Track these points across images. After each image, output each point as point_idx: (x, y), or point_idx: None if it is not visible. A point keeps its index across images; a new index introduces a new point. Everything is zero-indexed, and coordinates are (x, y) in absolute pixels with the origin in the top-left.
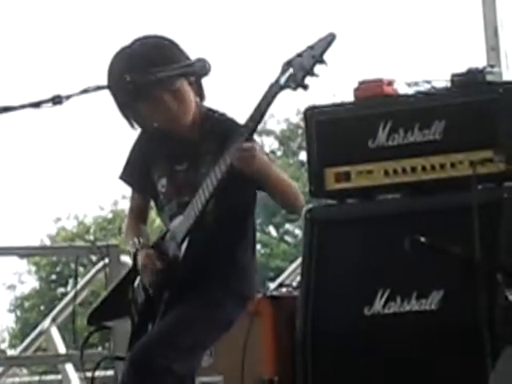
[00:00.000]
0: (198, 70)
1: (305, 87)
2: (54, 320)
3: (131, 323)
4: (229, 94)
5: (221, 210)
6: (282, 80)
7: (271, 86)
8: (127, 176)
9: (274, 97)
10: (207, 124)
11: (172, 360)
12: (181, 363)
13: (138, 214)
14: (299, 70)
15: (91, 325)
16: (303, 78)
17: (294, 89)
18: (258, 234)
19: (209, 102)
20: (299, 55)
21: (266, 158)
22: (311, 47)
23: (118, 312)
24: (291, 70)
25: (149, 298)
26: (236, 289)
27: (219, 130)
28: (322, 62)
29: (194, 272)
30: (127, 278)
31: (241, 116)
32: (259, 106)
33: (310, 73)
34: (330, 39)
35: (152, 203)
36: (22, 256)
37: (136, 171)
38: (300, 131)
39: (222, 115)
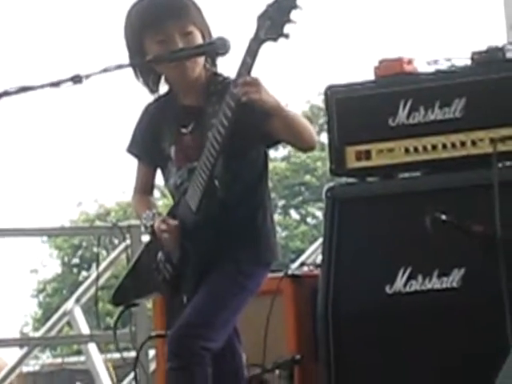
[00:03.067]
0: (218, 49)
1: (286, 36)
2: (77, 301)
3: (164, 299)
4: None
5: (231, 176)
6: (262, 33)
7: (252, 41)
8: (134, 148)
9: (257, 51)
10: (211, 87)
11: (210, 339)
12: (217, 339)
13: (145, 187)
14: (277, 19)
15: (116, 305)
16: (282, 26)
17: (275, 39)
18: (279, 217)
19: None
20: (270, 5)
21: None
22: None
23: (143, 289)
24: (268, 22)
25: (176, 270)
26: (261, 256)
27: (222, 92)
28: (297, 7)
29: (216, 242)
30: (147, 253)
31: None
32: (244, 62)
33: (288, 20)
34: None
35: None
36: (42, 235)
37: (143, 143)
38: (321, 113)
39: (226, 78)
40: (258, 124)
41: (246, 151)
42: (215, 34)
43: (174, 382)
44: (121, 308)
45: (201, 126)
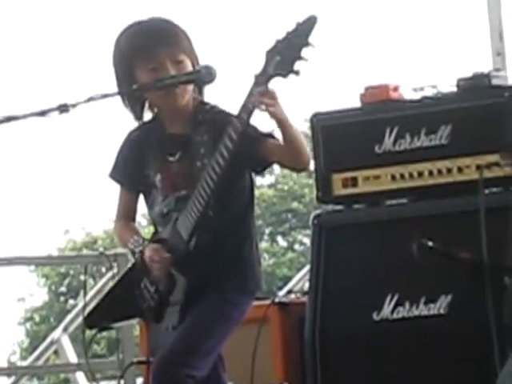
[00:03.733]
0: (204, 77)
1: (296, 73)
2: (64, 330)
3: (146, 326)
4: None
5: (222, 207)
6: (271, 69)
7: (260, 75)
8: (116, 174)
9: (265, 85)
10: (199, 115)
11: (194, 367)
12: (202, 367)
13: (128, 213)
14: (287, 56)
15: (89, 327)
16: (293, 63)
17: (285, 75)
18: (266, 244)
19: None
20: (281, 41)
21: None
22: (293, 32)
23: (122, 314)
24: (278, 58)
25: (162, 298)
26: (247, 286)
27: (211, 121)
28: (308, 44)
29: (204, 271)
30: (129, 278)
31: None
32: (250, 94)
33: (299, 57)
34: (312, 21)
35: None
36: (29, 265)
37: (126, 169)
38: (307, 140)
39: (214, 107)
40: (250, 151)
41: (235, 182)
42: (219, 65)
43: None
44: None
45: (188, 155)
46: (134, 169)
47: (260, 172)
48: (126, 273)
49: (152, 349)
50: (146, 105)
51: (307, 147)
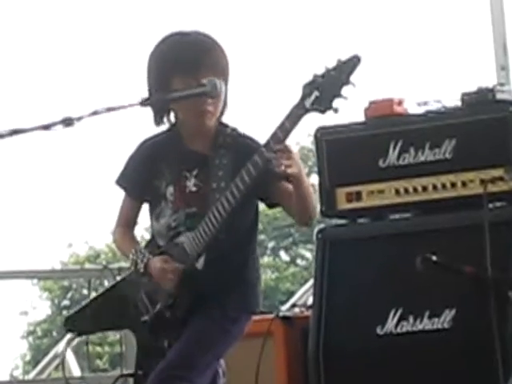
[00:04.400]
0: (209, 92)
1: (335, 110)
2: (68, 343)
3: (139, 339)
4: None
5: (230, 230)
6: (308, 103)
7: (295, 108)
8: (123, 181)
9: (299, 118)
10: (220, 137)
11: (191, 381)
12: (199, 382)
13: (129, 221)
14: (326, 92)
15: (68, 330)
16: (332, 100)
17: (323, 112)
18: (269, 258)
19: None
20: (320, 77)
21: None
22: (334, 69)
23: (110, 322)
24: (316, 93)
25: (159, 314)
26: (248, 304)
27: (232, 145)
28: (349, 83)
29: (208, 290)
30: (124, 288)
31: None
32: (282, 125)
33: (339, 95)
34: (355, 61)
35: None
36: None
37: (134, 177)
38: (311, 154)
39: (234, 130)
40: (265, 184)
41: (243, 205)
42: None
43: None
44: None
45: (205, 175)
46: (143, 177)
47: (268, 205)
48: (117, 283)
49: (144, 361)
50: (171, 114)
51: (315, 202)
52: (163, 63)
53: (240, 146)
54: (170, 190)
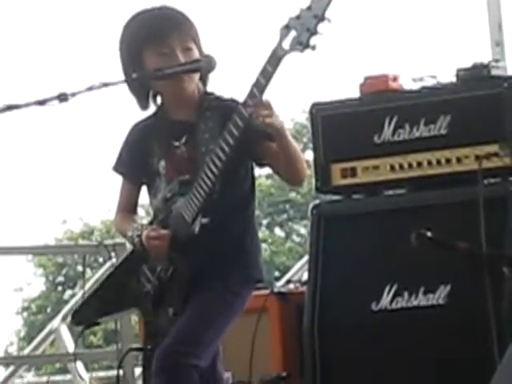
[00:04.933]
0: (205, 67)
1: (313, 47)
2: (63, 319)
3: (144, 313)
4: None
5: (225, 193)
6: (286, 44)
7: (275, 51)
8: (119, 167)
9: (280, 60)
10: (205, 103)
11: (198, 357)
12: (205, 357)
13: (129, 205)
14: (302, 31)
15: (76, 325)
16: (309, 38)
17: (302, 50)
18: (265, 234)
19: None
20: (297, 18)
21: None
22: (308, 8)
23: (113, 306)
24: (293, 33)
25: (162, 283)
26: (249, 276)
27: (216, 108)
28: (324, 19)
29: (207, 257)
30: (125, 267)
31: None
32: (264, 70)
33: (315, 32)
34: None
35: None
36: (27, 254)
37: (129, 161)
38: (305, 131)
39: (219, 97)
40: (252, 143)
41: (237, 169)
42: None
43: None
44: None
45: (194, 140)
46: (137, 160)
47: (259, 165)
48: (121, 262)
49: (151, 336)
50: (151, 93)
51: (304, 163)
52: (133, 40)
53: (224, 107)
54: (162, 164)
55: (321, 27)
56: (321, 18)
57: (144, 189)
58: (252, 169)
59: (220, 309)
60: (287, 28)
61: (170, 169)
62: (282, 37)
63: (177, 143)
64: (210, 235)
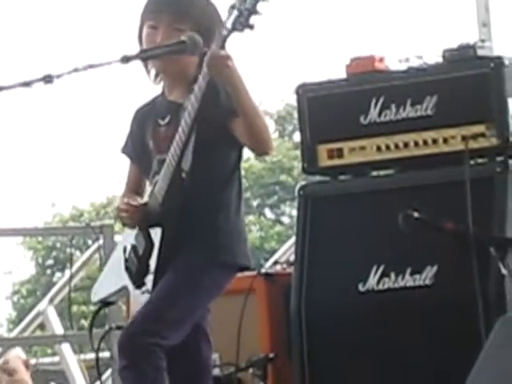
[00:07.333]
0: (189, 48)
1: (251, 27)
2: (50, 301)
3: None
4: None
5: (199, 172)
6: (229, 23)
7: (219, 30)
8: (126, 150)
9: (224, 40)
10: (194, 85)
11: (160, 336)
12: (169, 336)
13: (135, 188)
14: (243, 10)
15: (95, 303)
16: (248, 18)
17: (241, 30)
18: (254, 217)
19: None
20: None
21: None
22: None
23: (115, 286)
24: (236, 13)
25: (141, 262)
26: (217, 255)
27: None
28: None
29: (175, 235)
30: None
31: None
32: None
33: (254, 11)
34: None
35: None
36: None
37: (134, 144)
38: (296, 111)
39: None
40: (221, 118)
41: (218, 143)
42: None
43: (123, 381)
44: (98, 306)
45: (176, 119)
46: (139, 144)
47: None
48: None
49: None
50: (152, 72)
51: (268, 128)
52: (141, 13)
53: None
54: (151, 143)
55: (260, 6)
56: None
57: None
58: (240, 152)
59: (183, 287)
60: (232, 8)
61: (155, 147)
62: (228, 16)
63: (162, 122)
64: (178, 212)
